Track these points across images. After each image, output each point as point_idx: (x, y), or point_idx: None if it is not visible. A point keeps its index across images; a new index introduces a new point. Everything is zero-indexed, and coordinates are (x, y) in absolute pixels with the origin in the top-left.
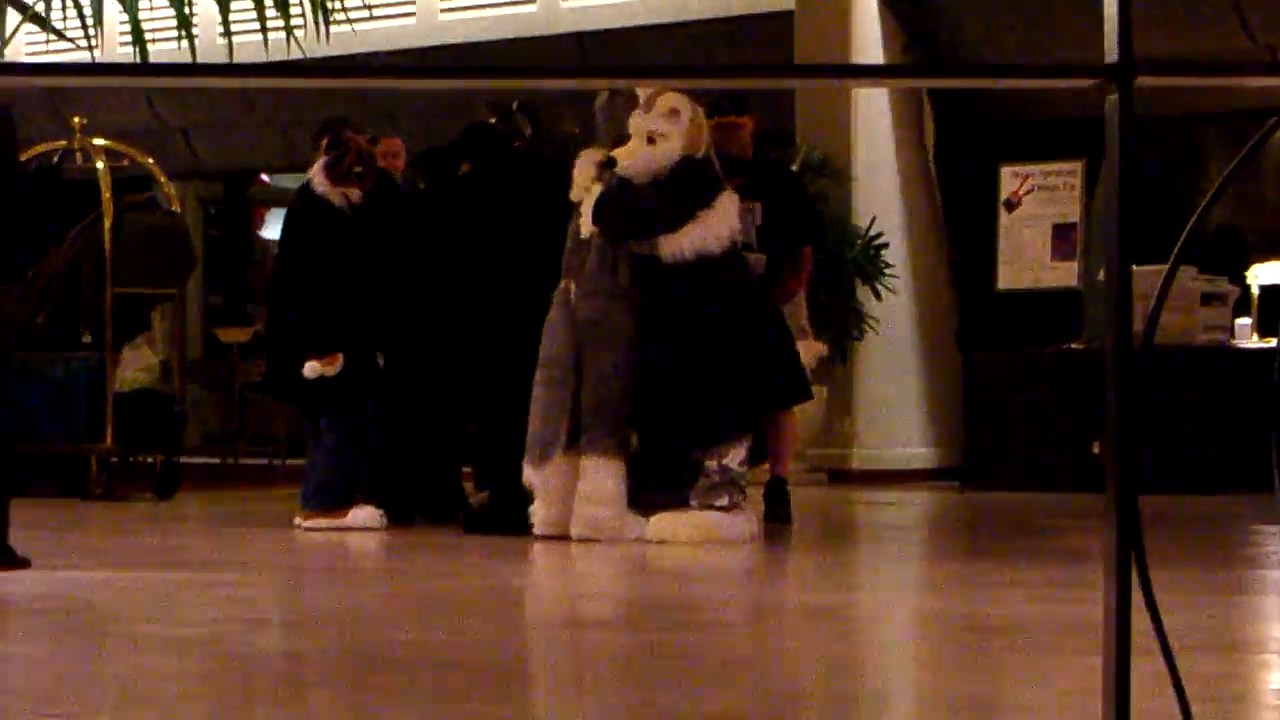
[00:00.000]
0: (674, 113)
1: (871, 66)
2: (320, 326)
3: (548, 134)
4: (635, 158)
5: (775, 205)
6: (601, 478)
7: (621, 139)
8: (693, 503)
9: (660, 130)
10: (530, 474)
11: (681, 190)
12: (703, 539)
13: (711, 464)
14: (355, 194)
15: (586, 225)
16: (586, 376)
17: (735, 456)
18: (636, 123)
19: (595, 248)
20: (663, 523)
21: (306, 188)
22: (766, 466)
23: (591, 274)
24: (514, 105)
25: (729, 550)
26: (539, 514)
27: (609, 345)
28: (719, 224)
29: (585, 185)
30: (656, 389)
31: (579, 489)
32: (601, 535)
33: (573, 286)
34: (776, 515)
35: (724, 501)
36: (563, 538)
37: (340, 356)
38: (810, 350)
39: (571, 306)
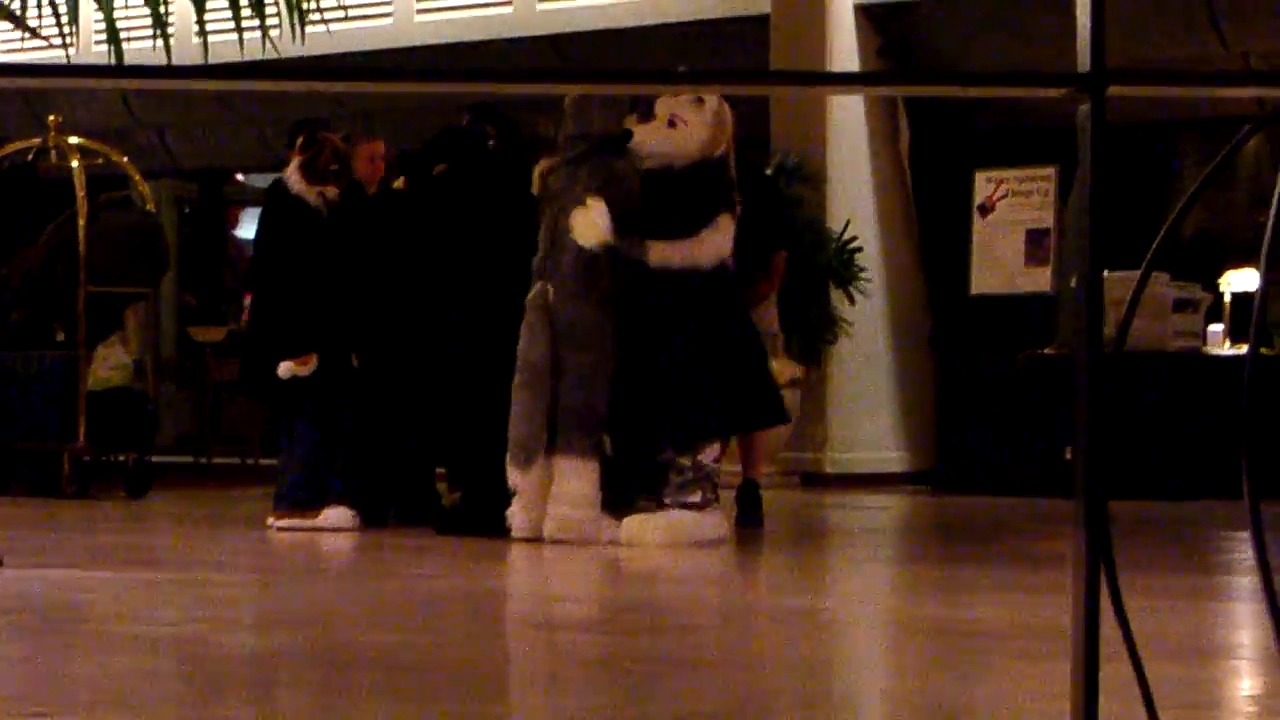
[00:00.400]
0: (700, 101)
1: (847, 74)
2: (295, 326)
3: (519, 135)
4: (655, 135)
5: (749, 209)
6: (575, 479)
7: (588, 135)
8: (666, 500)
9: (683, 116)
10: (515, 476)
11: (695, 199)
12: (675, 541)
13: (685, 461)
14: (332, 192)
15: (588, 235)
16: (564, 378)
17: (709, 453)
18: (661, 105)
19: (572, 250)
20: (633, 524)
21: (281, 187)
22: (739, 469)
23: (570, 276)
24: (471, 105)
25: (701, 552)
26: (519, 518)
27: (587, 347)
28: (712, 244)
29: (543, 179)
30: (634, 391)
31: (552, 490)
32: (574, 536)
33: (550, 289)
34: (748, 518)
35: (697, 498)
36: (536, 539)
37: (315, 356)
38: (785, 369)
39: (550, 309)
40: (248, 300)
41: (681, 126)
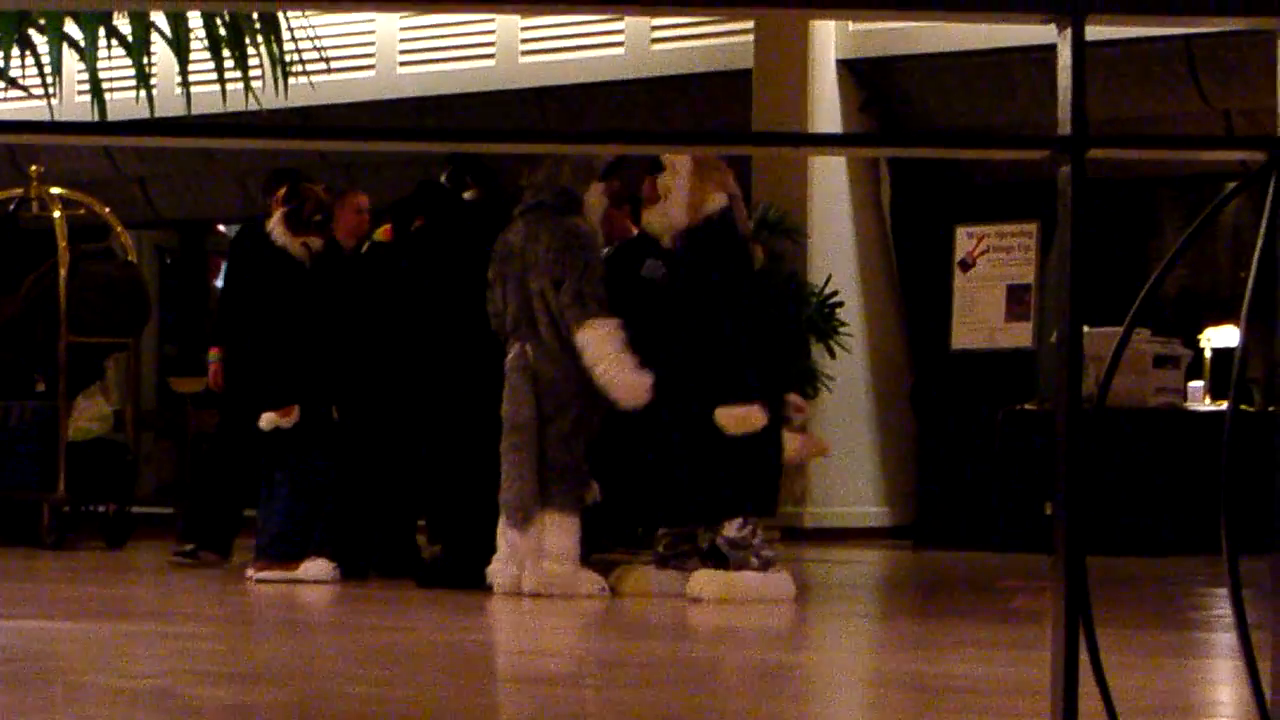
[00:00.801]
0: (672, 165)
1: (828, 135)
2: (277, 378)
3: (501, 186)
4: (655, 215)
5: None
6: (559, 534)
7: (554, 188)
8: (733, 567)
9: (665, 184)
10: (514, 537)
11: (694, 288)
12: (733, 598)
13: (724, 534)
14: (316, 243)
15: (635, 399)
16: (548, 435)
17: (732, 526)
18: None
19: (541, 311)
20: (699, 580)
21: (252, 234)
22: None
23: (549, 337)
24: (450, 156)
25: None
26: (502, 572)
27: (570, 405)
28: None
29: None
30: (625, 457)
31: (538, 545)
32: (555, 591)
33: (529, 350)
34: None
35: (755, 564)
36: (517, 593)
37: (296, 409)
38: (810, 447)
39: (531, 369)
40: (214, 354)
41: (665, 195)
